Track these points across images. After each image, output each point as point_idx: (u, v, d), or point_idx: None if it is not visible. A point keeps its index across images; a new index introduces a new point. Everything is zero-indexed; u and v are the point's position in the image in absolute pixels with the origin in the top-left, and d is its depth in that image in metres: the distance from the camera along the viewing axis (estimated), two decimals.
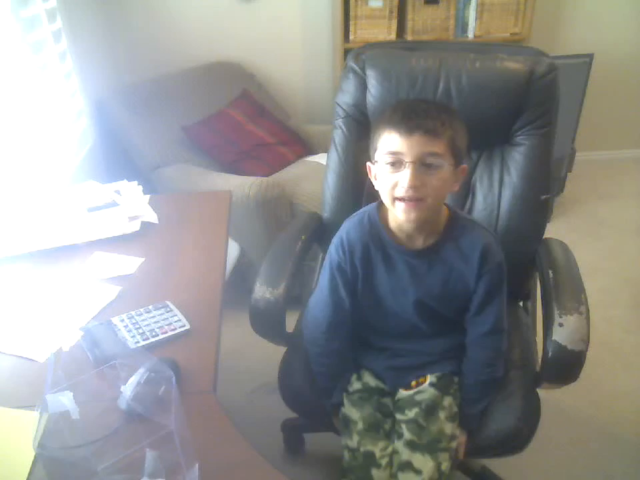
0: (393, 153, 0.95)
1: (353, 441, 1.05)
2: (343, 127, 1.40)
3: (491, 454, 1.15)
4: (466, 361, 1.11)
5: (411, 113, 0.94)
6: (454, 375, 1.12)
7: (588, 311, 1.07)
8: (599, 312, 2.04)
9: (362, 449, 1.04)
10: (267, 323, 1.17)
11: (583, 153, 2.91)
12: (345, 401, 1.11)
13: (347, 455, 1.06)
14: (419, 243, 1.06)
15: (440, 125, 0.94)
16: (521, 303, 1.41)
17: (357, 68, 1.36)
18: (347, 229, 1.11)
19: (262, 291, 1.15)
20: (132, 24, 2.53)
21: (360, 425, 1.06)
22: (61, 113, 1.78)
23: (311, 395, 1.18)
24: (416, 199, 0.95)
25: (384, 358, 1.14)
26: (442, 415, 1.05)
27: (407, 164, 0.93)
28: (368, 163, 1.05)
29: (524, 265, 1.31)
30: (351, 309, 1.12)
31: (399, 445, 1.04)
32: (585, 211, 2.80)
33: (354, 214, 1.13)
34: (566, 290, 1.12)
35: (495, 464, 1.39)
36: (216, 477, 0.74)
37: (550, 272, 1.17)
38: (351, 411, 1.09)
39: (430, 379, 1.10)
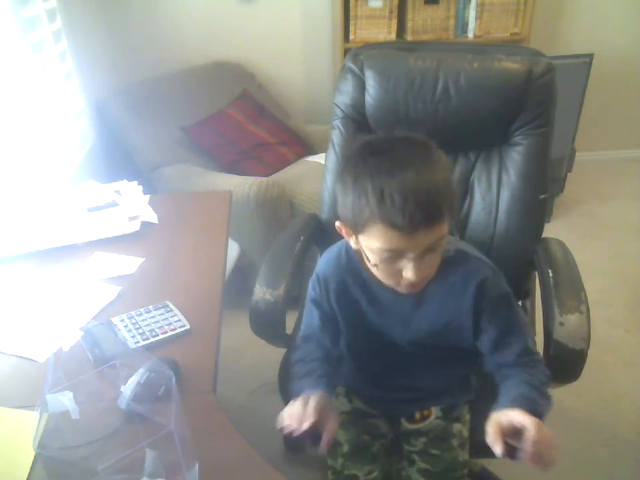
0: (392, 250, 0.79)
1: (338, 464, 1.02)
2: (341, 127, 1.40)
3: (492, 454, 1.13)
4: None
5: (413, 206, 0.74)
6: (461, 403, 1.06)
7: (588, 309, 1.07)
8: (598, 312, 2.04)
9: (346, 472, 1.01)
10: (268, 324, 1.17)
11: (582, 153, 2.91)
12: None
13: (330, 476, 1.04)
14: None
15: (444, 207, 0.78)
16: (520, 303, 1.41)
17: (355, 68, 1.36)
18: (323, 264, 1.01)
19: (262, 293, 1.15)
20: (132, 24, 2.53)
21: (345, 448, 1.03)
22: (61, 113, 1.78)
23: None
24: (420, 282, 0.86)
25: (381, 392, 1.07)
26: (454, 442, 1.02)
27: (411, 259, 0.80)
28: (338, 223, 0.88)
29: (523, 264, 1.31)
30: (331, 344, 1.02)
31: (412, 471, 1.02)
32: (585, 211, 2.80)
33: (333, 246, 1.03)
34: (566, 289, 1.12)
35: (493, 463, 1.39)
36: (216, 477, 0.74)
37: (549, 271, 1.17)
38: (337, 432, 1.00)
39: (435, 412, 1.04)
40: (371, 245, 0.81)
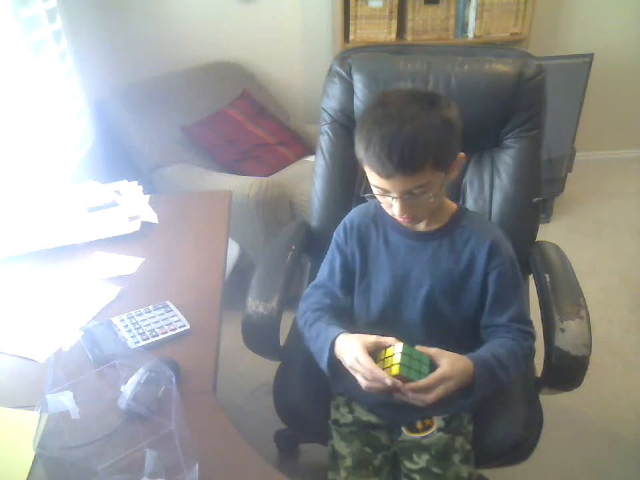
0: (378, 187, 0.94)
1: (340, 477, 1.00)
2: (330, 132, 1.38)
3: (495, 464, 1.12)
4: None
5: (385, 156, 0.88)
6: (463, 413, 1.05)
7: (588, 315, 1.06)
8: (598, 312, 2.05)
9: None
10: (261, 338, 1.15)
11: (582, 153, 2.91)
12: (335, 434, 1.07)
13: None
14: (421, 227, 1.04)
15: (420, 159, 0.88)
16: None
17: (342, 72, 1.34)
18: (353, 212, 1.12)
19: (255, 306, 1.13)
20: (132, 24, 2.53)
21: (348, 461, 1.01)
22: (61, 113, 1.78)
23: (308, 411, 1.15)
24: (410, 218, 0.97)
25: (382, 396, 1.05)
26: (456, 458, 1.00)
27: (394, 198, 0.93)
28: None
29: None
30: (342, 292, 1.10)
31: None
32: (585, 211, 2.80)
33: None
34: (565, 294, 1.12)
35: (493, 473, 1.37)
36: (216, 477, 0.74)
37: (547, 276, 1.16)
38: (340, 445, 1.04)
39: (437, 422, 1.03)
40: (368, 178, 0.97)
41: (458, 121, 0.94)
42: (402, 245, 1.05)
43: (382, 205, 0.99)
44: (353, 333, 0.99)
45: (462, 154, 0.97)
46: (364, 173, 0.97)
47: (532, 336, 1.02)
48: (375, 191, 0.95)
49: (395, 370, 0.88)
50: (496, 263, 1.00)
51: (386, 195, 0.94)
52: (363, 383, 0.92)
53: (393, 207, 0.95)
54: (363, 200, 1.13)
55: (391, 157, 0.87)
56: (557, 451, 1.53)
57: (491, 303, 1.02)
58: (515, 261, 1.03)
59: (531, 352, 1.01)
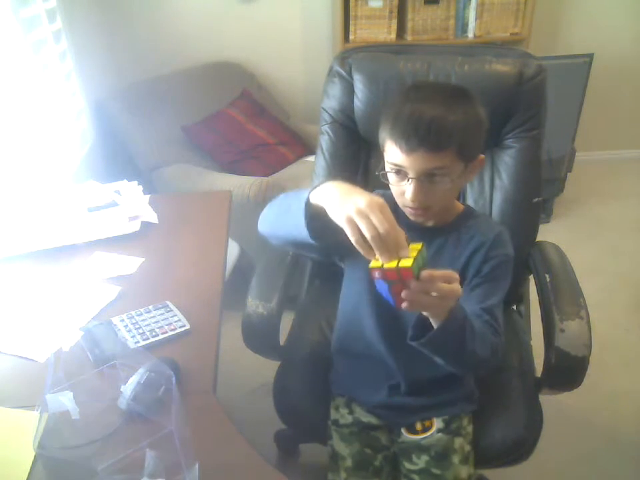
0: (396, 165, 0.91)
1: (340, 478, 1.01)
2: (330, 132, 1.37)
3: (495, 464, 1.12)
4: None
5: (412, 129, 0.87)
6: (463, 414, 1.06)
7: (588, 315, 1.06)
8: (598, 312, 2.04)
9: None
10: (262, 337, 1.15)
11: (582, 153, 2.91)
12: (334, 435, 1.07)
13: None
14: (429, 224, 1.02)
15: (445, 138, 0.87)
16: (515, 307, 1.40)
17: (343, 72, 1.34)
18: (378, 192, 1.06)
19: (254, 306, 1.13)
20: (132, 24, 2.53)
21: (348, 462, 1.02)
22: (61, 113, 1.78)
23: (307, 411, 1.16)
24: (422, 208, 0.95)
25: (380, 396, 1.06)
26: (455, 459, 1.00)
27: (411, 179, 0.90)
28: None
29: (517, 268, 1.28)
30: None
31: None
32: (584, 211, 2.80)
33: None
34: (565, 294, 1.12)
35: (493, 473, 1.37)
36: (216, 477, 0.74)
37: (547, 276, 1.16)
38: (339, 446, 1.04)
39: (437, 423, 1.04)
40: (386, 159, 0.95)
41: (486, 121, 0.93)
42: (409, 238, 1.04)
43: (394, 192, 0.96)
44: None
45: (482, 156, 0.97)
46: (381, 155, 0.96)
47: (499, 334, 0.95)
48: (392, 168, 0.92)
49: (408, 262, 0.72)
50: (494, 254, 0.99)
51: (403, 177, 0.91)
52: (370, 233, 0.74)
53: (406, 193, 0.91)
54: None
55: (417, 129, 0.86)
56: (557, 451, 1.53)
57: (473, 287, 0.98)
58: (512, 260, 1.02)
59: (497, 349, 0.93)
